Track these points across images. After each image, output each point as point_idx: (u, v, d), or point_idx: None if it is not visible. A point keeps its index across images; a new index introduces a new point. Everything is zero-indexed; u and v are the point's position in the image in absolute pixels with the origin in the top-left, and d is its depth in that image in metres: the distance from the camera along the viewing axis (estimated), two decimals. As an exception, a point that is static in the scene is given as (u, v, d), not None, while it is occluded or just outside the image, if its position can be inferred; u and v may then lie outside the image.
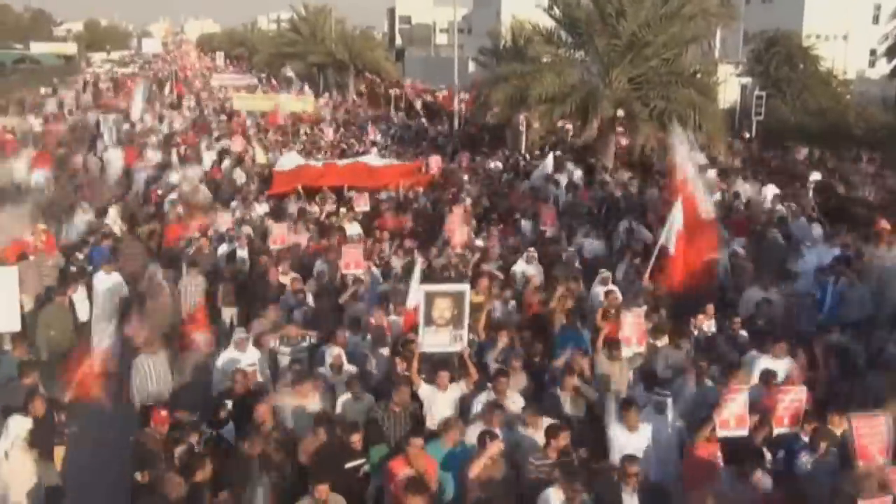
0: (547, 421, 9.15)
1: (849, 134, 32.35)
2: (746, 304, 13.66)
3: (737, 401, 8.86)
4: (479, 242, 17.16)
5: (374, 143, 33.91)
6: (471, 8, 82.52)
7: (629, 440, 9.10)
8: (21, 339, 11.72)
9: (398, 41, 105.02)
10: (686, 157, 14.45)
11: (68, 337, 13.11)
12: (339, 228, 18.29)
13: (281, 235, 17.15)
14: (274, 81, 56.67)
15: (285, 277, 14.56)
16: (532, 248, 16.05)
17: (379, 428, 9.56)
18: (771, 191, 22.19)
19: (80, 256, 16.29)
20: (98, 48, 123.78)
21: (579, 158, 28.55)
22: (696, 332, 12.38)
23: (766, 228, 17.90)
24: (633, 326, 11.52)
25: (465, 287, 10.97)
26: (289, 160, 24.48)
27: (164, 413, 9.34)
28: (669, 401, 9.57)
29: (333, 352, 11.11)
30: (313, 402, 9.91)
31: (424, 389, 10.13)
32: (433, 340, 10.41)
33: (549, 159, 26.02)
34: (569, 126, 32.69)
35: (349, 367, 10.98)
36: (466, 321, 10.63)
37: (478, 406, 9.82)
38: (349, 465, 8.78)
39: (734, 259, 15.59)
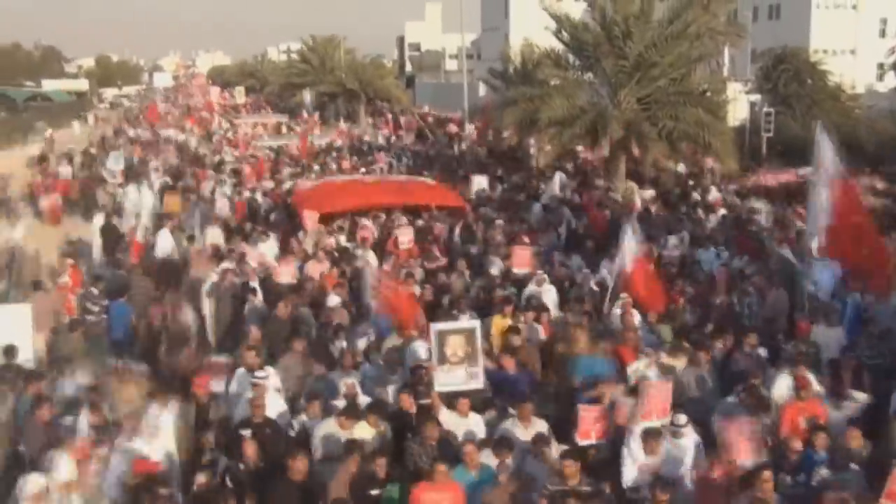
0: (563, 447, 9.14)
1: (860, 148, 32.27)
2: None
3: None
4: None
5: (389, 168, 34.24)
6: (479, 33, 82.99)
7: (645, 461, 9.11)
8: (35, 376, 11.76)
9: (408, 68, 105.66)
10: (832, 157, 14.29)
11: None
12: (350, 257, 18.27)
13: (289, 269, 16.90)
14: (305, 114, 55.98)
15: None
16: (541, 272, 16.04)
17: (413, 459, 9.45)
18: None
19: (96, 291, 16.29)
20: (110, 83, 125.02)
21: (590, 180, 28.71)
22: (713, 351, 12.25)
23: (778, 244, 17.89)
24: (654, 399, 9.93)
25: (475, 324, 10.99)
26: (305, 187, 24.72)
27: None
28: (688, 428, 9.50)
29: (347, 381, 11.01)
30: (361, 433, 9.69)
31: (445, 415, 10.04)
32: (448, 379, 10.39)
33: (557, 179, 26.18)
34: (579, 148, 32.82)
35: (364, 398, 10.78)
36: (481, 358, 10.60)
37: (501, 432, 9.74)
38: (374, 492, 8.77)
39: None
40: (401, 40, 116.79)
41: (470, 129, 44.57)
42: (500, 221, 20.95)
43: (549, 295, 15.24)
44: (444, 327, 10.75)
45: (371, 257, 18.19)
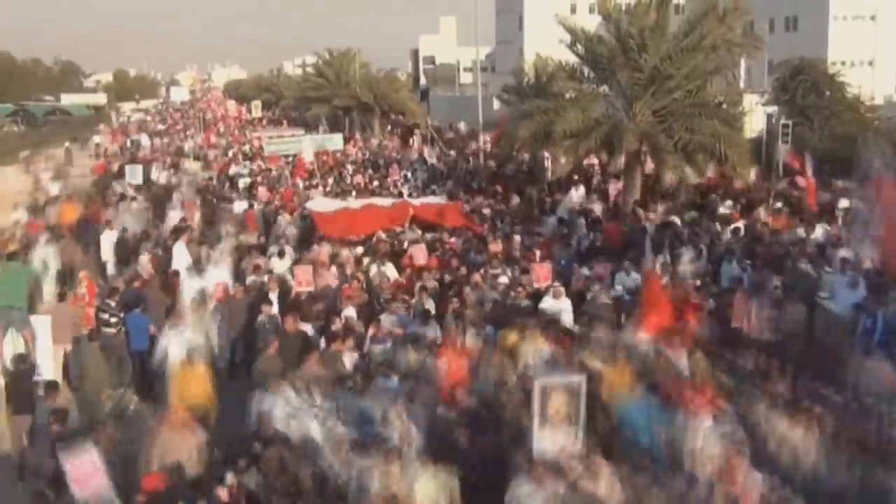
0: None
1: (878, 160, 31.99)
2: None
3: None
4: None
5: (404, 181, 34.23)
6: (493, 47, 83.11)
7: None
8: (54, 387, 11.77)
9: (422, 81, 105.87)
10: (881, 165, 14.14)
11: (105, 380, 13.11)
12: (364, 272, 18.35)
13: (306, 278, 17.08)
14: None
15: (304, 326, 14.43)
16: (557, 283, 15.92)
17: None
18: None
19: (112, 303, 16.33)
20: (127, 98, 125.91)
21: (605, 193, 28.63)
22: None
23: (797, 258, 17.71)
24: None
25: (581, 378, 9.62)
26: (320, 203, 24.75)
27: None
28: None
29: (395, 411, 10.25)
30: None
31: None
32: (549, 443, 9.11)
33: (573, 192, 26.12)
34: (594, 161, 32.72)
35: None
36: (583, 416, 9.41)
37: None
38: None
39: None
40: (415, 53, 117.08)
41: (483, 141, 44.47)
42: (516, 236, 20.98)
43: (565, 308, 15.15)
44: (549, 383, 9.40)
45: (390, 270, 18.31)
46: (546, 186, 30.85)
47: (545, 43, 39.75)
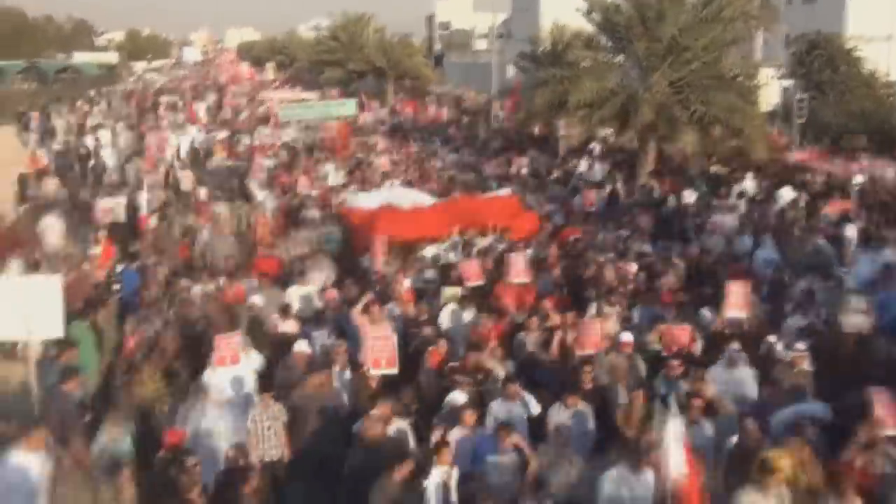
0: None
1: (892, 135, 31.90)
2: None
3: None
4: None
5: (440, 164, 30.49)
6: (510, 13, 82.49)
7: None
8: (66, 345, 11.70)
9: (437, 47, 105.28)
10: None
11: (94, 359, 12.76)
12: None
13: (475, 271, 14.36)
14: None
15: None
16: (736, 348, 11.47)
17: None
18: (787, 193, 22.10)
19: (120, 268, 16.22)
20: (139, 57, 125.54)
21: (617, 165, 28.63)
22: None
23: (807, 234, 17.73)
24: None
25: None
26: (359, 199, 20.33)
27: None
28: None
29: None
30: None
31: None
32: None
33: (583, 163, 26.38)
34: (608, 131, 32.67)
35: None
36: None
37: None
38: None
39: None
40: (430, 19, 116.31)
41: (497, 108, 44.40)
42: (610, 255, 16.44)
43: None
44: None
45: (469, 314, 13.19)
46: (561, 156, 30.90)
47: (562, 10, 39.43)
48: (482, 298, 13.68)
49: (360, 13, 65.76)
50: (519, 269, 14.07)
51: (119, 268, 16.18)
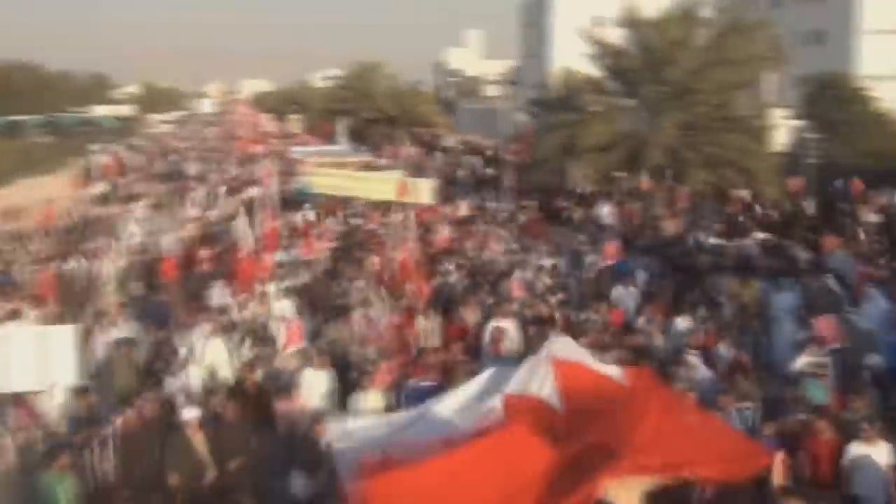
0: None
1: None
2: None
3: None
4: None
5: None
6: (519, 60, 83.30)
7: None
8: (83, 392, 11.95)
9: (450, 93, 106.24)
10: None
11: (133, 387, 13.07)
12: None
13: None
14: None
15: None
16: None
17: None
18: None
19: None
20: (156, 110, 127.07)
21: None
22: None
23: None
24: None
25: None
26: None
27: None
28: None
29: None
30: None
31: None
32: None
33: (605, 209, 26.22)
34: (620, 174, 32.71)
35: None
36: None
37: None
38: None
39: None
40: (437, 66, 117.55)
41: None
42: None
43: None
44: None
45: None
46: (576, 198, 30.86)
47: (570, 57, 39.73)
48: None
49: (371, 62, 66.43)
50: None
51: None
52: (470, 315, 14.95)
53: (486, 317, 14.45)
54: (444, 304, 15.81)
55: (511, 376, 9.63)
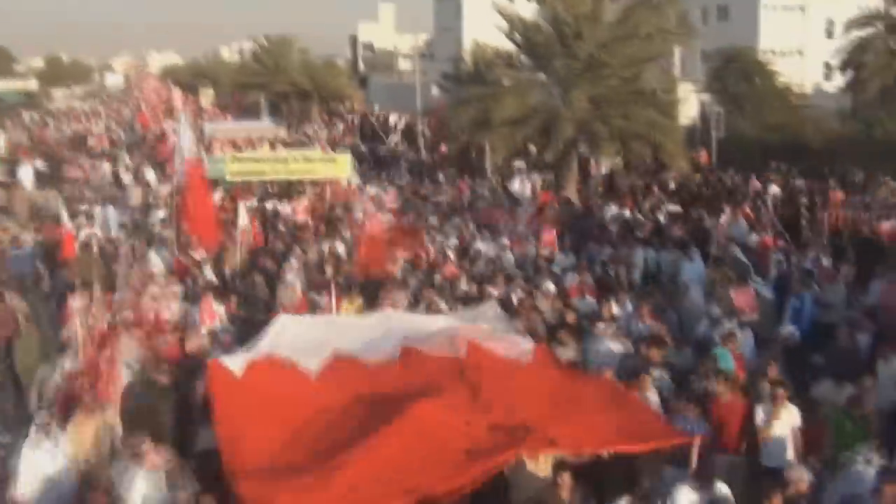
0: None
1: (806, 147, 32.84)
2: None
3: None
4: None
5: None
6: (432, 34, 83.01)
7: None
8: None
9: (361, 68, 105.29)
10: None
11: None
12: None
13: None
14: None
15: None
16: None
17: None
18: None
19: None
20: (59, 84, 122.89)
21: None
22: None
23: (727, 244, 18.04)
24: None
25: None
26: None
27: None
28: None
29: None
30: None
31: None
32: None
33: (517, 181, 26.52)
34: (533, 147, 33.03)
35: None
36: None
37: None
38: None
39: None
40: (353, 39, 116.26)
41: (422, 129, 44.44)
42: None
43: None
44: None
45: None
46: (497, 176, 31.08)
47: (484, 30, 39.88)
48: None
49: (284, 35, 65.46)
50: None
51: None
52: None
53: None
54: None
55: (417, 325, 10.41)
